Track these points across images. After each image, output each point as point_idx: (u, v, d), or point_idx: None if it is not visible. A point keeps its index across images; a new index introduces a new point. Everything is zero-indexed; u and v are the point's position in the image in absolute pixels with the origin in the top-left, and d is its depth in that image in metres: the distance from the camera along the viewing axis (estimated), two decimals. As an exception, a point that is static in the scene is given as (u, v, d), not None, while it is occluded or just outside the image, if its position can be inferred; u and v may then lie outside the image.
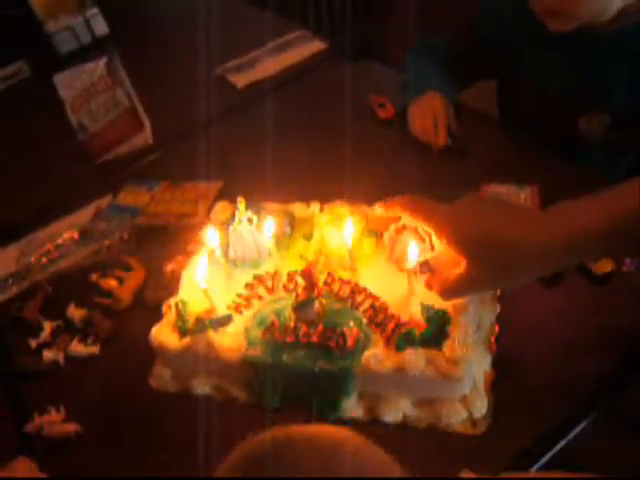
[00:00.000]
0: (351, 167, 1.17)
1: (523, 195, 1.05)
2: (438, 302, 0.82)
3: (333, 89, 1.47)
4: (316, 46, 1.60)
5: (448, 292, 0.73)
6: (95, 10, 1.86)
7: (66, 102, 1.33)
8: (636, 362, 0.84)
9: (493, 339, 0.86)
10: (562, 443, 0.79)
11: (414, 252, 0.83)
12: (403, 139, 1.24)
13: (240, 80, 1.54)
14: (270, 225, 0.94)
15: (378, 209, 0.78)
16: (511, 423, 0.80)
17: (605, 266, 0.92)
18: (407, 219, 0.85)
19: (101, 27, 1.88)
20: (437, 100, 1.19)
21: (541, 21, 1.10)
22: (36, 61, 1.86)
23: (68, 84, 1.32)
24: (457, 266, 0.72)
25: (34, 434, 0.91)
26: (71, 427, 0.90)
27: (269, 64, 1.57)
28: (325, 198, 1.04)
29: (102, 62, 1.33)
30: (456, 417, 0.79)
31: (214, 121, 1.45)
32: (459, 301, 0.81)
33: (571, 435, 0.79)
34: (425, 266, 0.80)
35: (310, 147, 1.28)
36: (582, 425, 0.80)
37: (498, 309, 0.90)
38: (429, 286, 0.76)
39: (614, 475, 0.68)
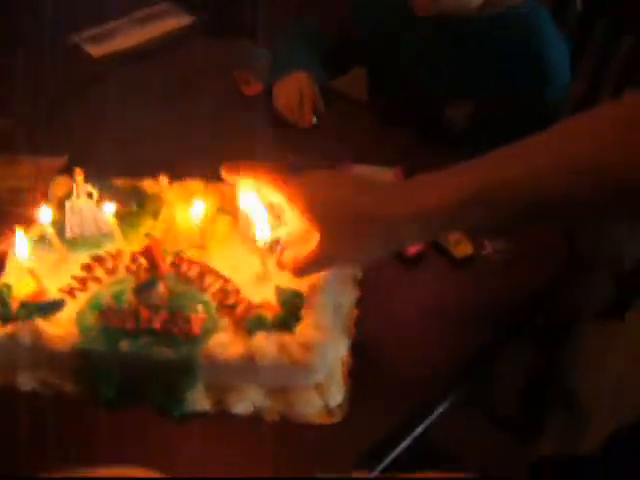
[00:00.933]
0: (211, 144, 1.10)
1: (387, 177, 1.02)
2: (294, 284, 0.76)
3: (197, 65, 1.37)
4: (182, 20, 1.50)
5: (301, 269, 0.68)
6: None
7: None
8: (494, 344, 0.84)
9: (352, 324, 0.82)
10: (417, 431, 0.76)
11: (264, 229, 0.77)
12: (267, 117, 1.18)
13: (97, 50, 1.41)
14: (110, 203, 0.84)
15: (224, 173, 0.71)
16: (369, 411, 0.76)
17: (464, 249, 0.91)
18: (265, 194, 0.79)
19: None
20: (303, 79, 1.15)
21: (410, 6, 1.09)
22: None
23: None
24: (309, 242, 0.67)
25: None
26: None
27: (130, 36, 1.45)
28: (180, 175, 0.96)
29: None
30: (310, 406, 0.73)
31: (64, 93, 1.31)
32: (315, 282, 0.76)
33: (427, 422, 0.77)
34: (276, 244, 0.74)
35: (168, 123, 1.18)
36: (439, 411, 0.78)
37: (358, 293, 0.86)
38: (280, 265, 0.70)
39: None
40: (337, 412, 0.74)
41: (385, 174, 1.03)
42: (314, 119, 1.14)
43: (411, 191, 0.62)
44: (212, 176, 0.94)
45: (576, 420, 1.50)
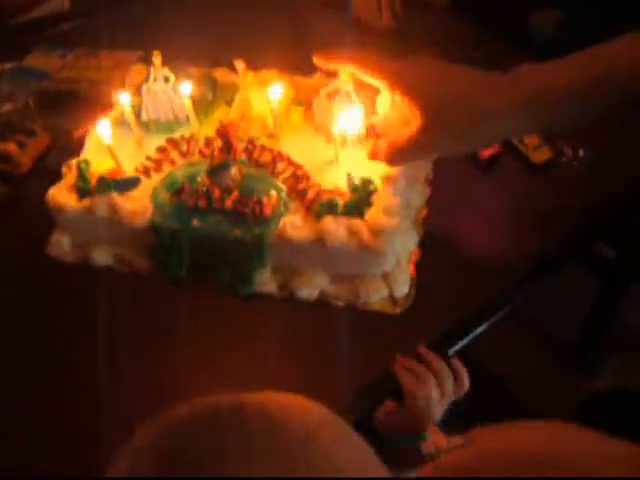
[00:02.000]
0: (286, 40, 1.08)
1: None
2: (366, 172, 0.75)
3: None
4: None
5: (396, 155, 0.68)
6: None
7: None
8: (567, 248, 0.81)
9: (421, 219, 0.81)
10: (482, 328, 0.76)
11: (346, 118, 0.76)
12: (343, 18, 1.14)
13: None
14: (188, 85, 0.84)
15: (316, 59, 0.70)
16: (433, 304, 0.75)
17: (543, 154, 0.87)
18: (343, 82, 0.78)
19: None
20: None
21: None
22: None
23: None
24: (404, 129, 0.66)
25: None
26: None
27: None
28: (256, 65, 0.95)
29: None
30: (376, 295, 0.74)
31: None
32: (388, 172, 0.75)
33: (492, 319, 0.76)
34: (371, 130, 0.73)
35: (244, 16, 1.17)
36: (506, 309, 0.77)
37: (428, 192, 0.84)
38: (373, 153, 0.70)
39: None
40: (402, 303, 0.74)
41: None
42: (392, 22, 1.10)
43: (521, 80, 0.62)
44: (288, 68, 0.93)
45: (634, 358, 1.47)
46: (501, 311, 0.76)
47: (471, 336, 0.75)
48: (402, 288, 0.74)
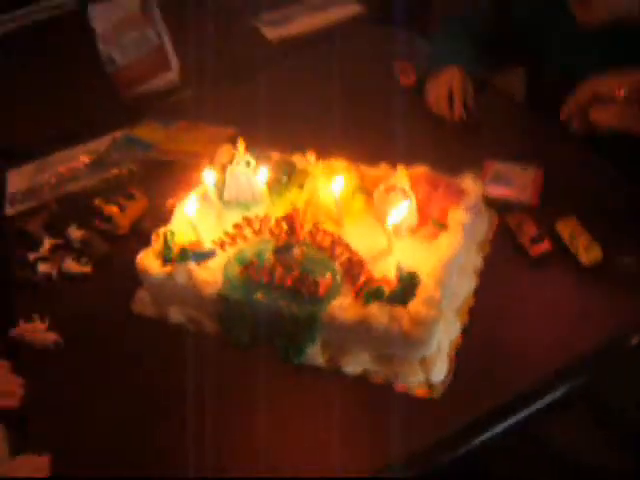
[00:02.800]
0: (360, 127, 1.18)
1: (527, 176, 1.04)
2: (416, 263, 0.83)
3: (362, 51, 1.47)
4: (352, 8, 1.59)
5: None
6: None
7: (98, 34, 1.35)
8: (607, 352, 0.84)
9: (467, 308, 0.87)
10: (515, 419, 0.79)
11: (398, 212, 0.84)
12: (419, 108, 1.23)
13: (273, 33, 1.55)
14: (265, 170, 0.95)
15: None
16: (471, 393, 0.80)
17: (594, 255, 0.90)
18: (399, 179, 0.86)
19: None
20: (455, 74, 1.17)
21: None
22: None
23: (102, 16, 1.34)
24: None
25: (17, 339, 0.95)
26: (52, 336, 0.94)
27: (303, 21, 1.57)
28: (330, 154, 1.05)
29: (137, -1, 1.35)
30: (413, 378, 0.80)
31: (241, 70, 1.46)
32: (435, 265, 0.82)
33: (528, 412, 0.80)
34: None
35: (326, 104, 1.28)
36: (544, 403, 0.80)
37: (476, 283, 0.90)
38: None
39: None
40: (437, 388, 0.80)
41: (525, 173, 1.05)
42: (464, 114, 1.17)
43: None
44: (356, 157, 1.03)
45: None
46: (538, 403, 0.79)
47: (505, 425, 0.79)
48: (439, 374, 0.80)
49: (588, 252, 0.90)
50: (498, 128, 1.20)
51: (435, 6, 1.69)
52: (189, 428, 0.80)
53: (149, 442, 0.82)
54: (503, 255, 0.95)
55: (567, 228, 0.94)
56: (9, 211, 1.21)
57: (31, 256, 1.08)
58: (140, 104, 1.41)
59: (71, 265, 1.06)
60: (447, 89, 1.18)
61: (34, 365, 0.93)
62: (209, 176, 0.95)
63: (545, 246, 0.92)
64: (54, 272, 1.06)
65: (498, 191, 1.02)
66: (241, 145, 0.98)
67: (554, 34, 1.18)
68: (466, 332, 0.85)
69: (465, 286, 0.88)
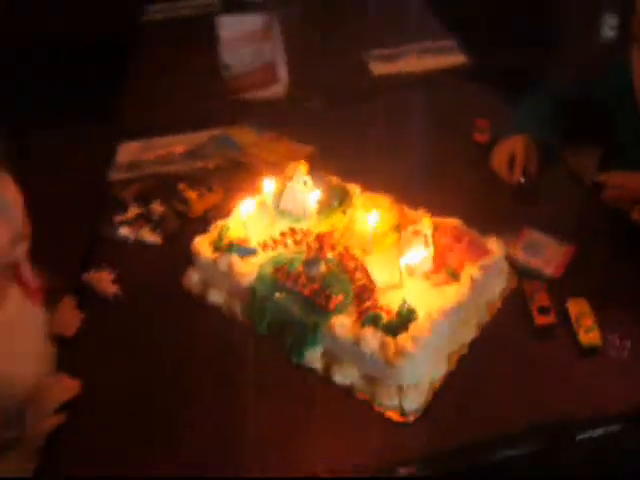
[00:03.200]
0: (425, 171, 1.29)
1: (558, 252, 1.10)
2: (421, 303, 0.93)
3: (455, 101, 1.56)
4: (457, 59, 1.69)
5: None
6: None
7: (221, 41, 1.54)
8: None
9: (458, 356, 0.95)
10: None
11: (411, 255, 0.94)
12: (483, 165, 1.31)
13: (378, 68, 1.68)
14: (318, 193, 1.09)
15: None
16: (439, 428, 0.89)
17: (593, 338, 0.96)
18: (425, 226, 0.97)
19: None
20: (521, 142, 1.25)
21: None
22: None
23: (228, 26, 1.53)
24: None
25: (85, 283, 1.14)
26: (113, 288, 1.13)
27: (409, 62, 1.69)
28: (383, 189, 1.16)
29: (262, 18, 1.53)
30: (388, 402, 0.89)
31: (339, 95, 1.61)
32: (435, 311, 0.91)
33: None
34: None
35: (403, 143, 1.39)
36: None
37: (475, 335, 0.98)
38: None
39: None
40: (409, 416, 0.89)
41: (558, 248, 1.11)
42: (522, 179, 1.24)
43: None
44: (407, 198, 1.13)
45: None
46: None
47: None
48: (411, 404, 0.89)
49: (587, 334, 0.96)
50: (552, 200, 1.26)
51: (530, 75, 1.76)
52: (191, 392, 0.95)
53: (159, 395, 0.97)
54: (511, 316, 1.02)
55: (576, 307, 1.00)
56: (113, 176, 1.42)
57: (117, 219, 1.27)
58: (244, 108, 1.59)
59: (146, 233, 1.24)
60: (510, 153, 1.26)
61: (94, 307, 1.12)
62: (269, 186, 1.10)
63: (550, 319, 0.99)
64: (131, 236, 1.24)
65: (525, 258, 1.09)
66: (303, 166, 1.11)
67: (629, 126, 1.23)
68: (450, 375, 0.94)
69: (463, 335, 0.97)
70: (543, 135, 1.28)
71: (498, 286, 1.04)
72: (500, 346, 0.98)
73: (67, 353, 1.05)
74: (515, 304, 1.04)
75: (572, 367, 0.95)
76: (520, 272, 1.08)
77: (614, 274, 1.08)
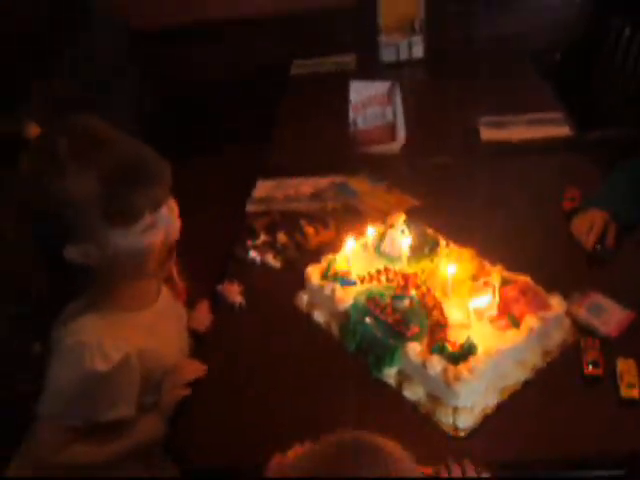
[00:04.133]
0: (511, 230, 1.47)
1: (615, 316, 1.24)
2: (481, 341, 1.12)
3: (553, 170, 1.73)
4: (561, 130, 1.85)
5: None
6: (418, 37, 2.33)
7: (351, 102, 1.82)
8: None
9: (510, 391, 1.13)
10: None
11: (479, 301, 1.15)
12: (565, 230, 1.47)
13: (486, 134, 1.88)
14: (409, 240, 1.32)
15: None
16: (481, 446, 1.07)
17: (633, 392, 1.10)
18: (494, 279, 1.17)
19: (418, 51, 2.36)
20: (601, 215, 1.40)
21: None
22: (361, 60, 2.42)
23: (358, 90, 1.81)
24: None
25: (219, 292, 1.44)
26: (239, 298, 1.42)
27: (516, 131, 1.87)
28: (470, 243, 1.37)
29: (387, 84, 1.80)
30: (444, 418, 1.09)
31: (446, 156, 1.82)
32: (493, 349, 1.11)
33: None
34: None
35: (497, 204, 1.58)
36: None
37: (530, 376, 1.15)
38: None
39: None
40: (461, 432, 1.09)
41: (619, 312, 1.25)
42: (597, 246, 1.40)
43: None
44: (484, 252, 1.33)
45: None
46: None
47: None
48: (464, 423, 1.08)
49: (628, 388, 1.11)
50: (623, 268, 1.39)
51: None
52: (289, 390, 1.20)
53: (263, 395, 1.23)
54: (565, 365, 1.18)
55: (624, 365, 1.14)
56: (249, 208, 1.73)
57: (249, 243, 1.57)
58: (364, 160, 1.85)
59: (270, 258, 1.53)
60: (590, 223, 1.41)
61: (222, 312, 1.41)
62: (371, 231, 1.35)
63: (598, 371, 1.14)
64: (258, 258, 1.53)
65: (586, 316, 1.25)
66: (402, 217, 1.35)
67: None
68: (500, 406, 1.12)
69: (517, 374, 1.15)
70: (622, 214, 1.42)
71: (557, 338, 1.21)
72: (550, 388, 1.14)
73: (198, 344, 1.35)
74: (571, 356, 1.19)
75: (609, 416, 1.10)
76: (581, 329, 1.24)
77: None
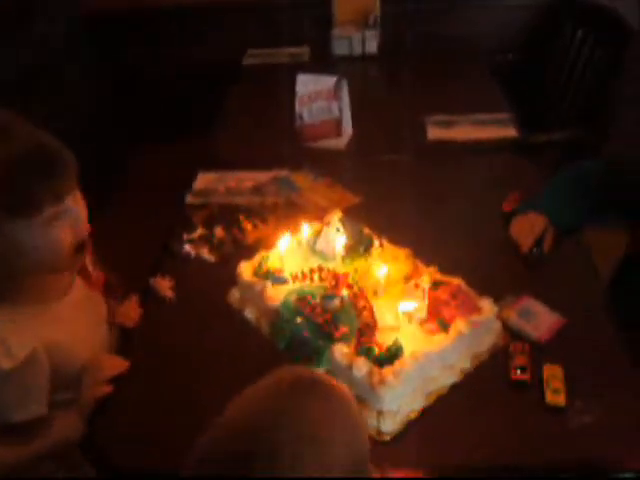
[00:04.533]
0: (446, 235, 1.46)
1: (550, 318, 1.24)
2: (409, 344, 1.10)
3: (498, 173, 1.72)
4: (508, 132, 1.85)
5: None
6: (372, 32, 2.31)
7: (297, 95, 1.79)
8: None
9: (436, 395, 1.12)
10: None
11: (408, 304, 1.13)
12: (503, 232, 1.47)
13: (433, 133, 1.87)
14: (343, 239, 1.29)
15: None
16: (403, 451, 1.06)
17: (558, 399, 1.10)
18: (424, 281, 1.15)
19: (372, 47, 2.33)
20: (539, 219, 1.40)
21: None
22: (315, 53, 2.39)
23: (305, 84, 1.77)
24: None
25: (150, 285, 1.39)
26: (169, 293, 1.37)
27: (462, 130, 1.87)
28: (405, 243, 1.35)
29: (334, 79, 1.77)
30: (369, 422, 1.07)
31: (392, 154, 1.81)
32: (420, 352, 1.09)
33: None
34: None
35: (437, 205, 1.57)
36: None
37: (458, 379, 1.14)
38: None
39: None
40: (385, 437, 1.07)
41: (550, 316, 1.25)
42: (534, 250, 1.39)
43: None
44: (419, 253, 1.31)
45: None
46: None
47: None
48: (388, 428, 1.07)
49: (553, 395, 1.10)
50: (557, 273, 1.39)
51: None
52: (213, 384, 1.17)
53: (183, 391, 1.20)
54: (493, 369, 1.17)
55: (550, 371, 1.14)
56: (188, 200, 1.68)
57: (185, 236, 1.53)
58: (308, 155, 1.82)
59: (205, 252, 1.48)
60: (529, 225, 1.41)
61: (150, 305, 1.37)
62: (306, 229, 1.32)
63: (524, 377, 1.14)
64: (193, 252, 1.49)
65: (517, 321, 1.24)
66: (338, 215, 1.32)
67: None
68: (426, 410, 1.11)
69: (444, 378, 1.13)
70: (561, 219, 1.42)
71: (486, 342, 1.20)
72: (475, 392, 1.14)
73: (124, 340, 1.30)
74: (500, 359, 1.19)
75: (534, 422, 1.09)
76: (512, 333, 1.23)
77: (598, 350, 1.20)
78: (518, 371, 1.15)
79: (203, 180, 1.75)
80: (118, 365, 1.18)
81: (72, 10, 2.70)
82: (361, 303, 1.20)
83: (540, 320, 1.25)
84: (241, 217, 1.55)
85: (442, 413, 1.11)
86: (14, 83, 2.16)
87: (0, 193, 0.94)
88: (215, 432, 0.70)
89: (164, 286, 1.39)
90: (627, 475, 1.03)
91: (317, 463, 0.66)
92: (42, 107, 2.00)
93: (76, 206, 1.05)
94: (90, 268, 1.23)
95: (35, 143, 0.98)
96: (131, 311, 1.35)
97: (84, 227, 1.07)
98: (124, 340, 1.32)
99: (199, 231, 1.54)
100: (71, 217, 1.03)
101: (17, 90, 2.12)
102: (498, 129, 1.87)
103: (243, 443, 0.65)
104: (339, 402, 0.73)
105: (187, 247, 1.50)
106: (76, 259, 1.09)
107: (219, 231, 1.53)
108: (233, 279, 1.36)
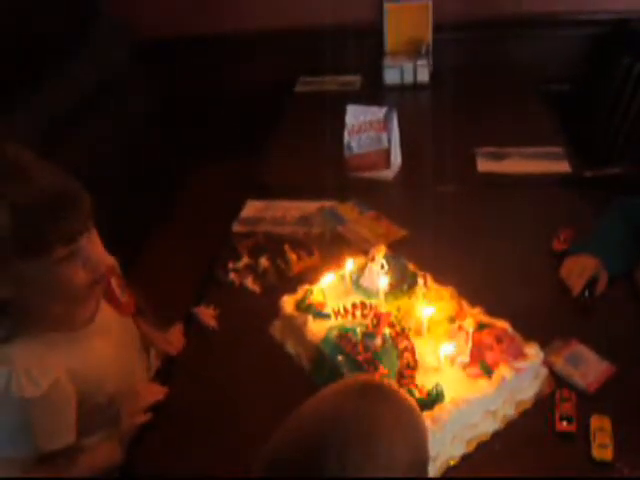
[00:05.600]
0: (494, 274, 1.43)
1: (596, 368, 1.20)
2: (450, 388, 1.08)
3: (550, 207, 1.68)
4: (561, 166, 1.81)
5: None
6: (425, 62, 2.30)
7: (347, 126, 1.79)
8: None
9: (477, 442, 1.09)
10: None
11: (450, 346, 1.11)
12: (554, 271, 1.43)
13: (483, 166, 1.84)
14: (387, 278, 1.28)
15: None
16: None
17: (605, 454, 1.05)
18: (467, 324, 1.13)
19: (424, 76, 2.32)
20: (592, 262, 1.36)
21: None
22: (366, 82, 2.40)
23: (354, 114, 1.78)
24: None
25: (194, 314, 1.41)
26: (213, 322, 1.39)
27: (513, 164, 1.83)
28: (451, 283, 1.33)
29: (384, 110, 1.77)
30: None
31: (440, 186, 1.79)
32: (460, 399, 1.07)
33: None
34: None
35: (485, 244, 1.54)
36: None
37: (499, 427, 1.11)
38: None
39: None
40: None
41: (599, 365, 1.21)
42: (586, 292, 1.35)
43: None
44: (465, 293, 1.29)
45: None
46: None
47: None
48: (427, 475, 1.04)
49: (600, 450, 1.06)
50: (608, 318, 1.34)
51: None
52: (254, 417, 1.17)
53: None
54: (536, 416, 1.14)
55: (598, 423, 1.10)
56: (235, 228, 1.71)
57: (230, 265, 1.54)
58: (355, 186, 1.82)
59: (249, 282, 1.50)
60: (581, 267, 1.37)
61: (193, 334, 1.38)
62: (349, 264, 1.31)
63: (571, 427, 1.10)
64: (237, 282, 1.50)
65: (564, 368, 1.20)
66: (382, 251, 1.32)
67: None
68: (466, 457, 1.08)
69: (486, 425, 1.11)
70: (614, 263, 1.38)
71: (532, 388, 1.17)
72: (518, 441, 1.10)
73: (167, 367, 1.32)
74: (545, 407, 1.15)
75: (579, 475, 1.05)
76: (558, 380, 1.20)
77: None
78: (564, 422, 1.11)
79: (251, 208, 1.77)
80: (156, 392, 1.20)
81: (127, 35, 2.77)
82: (403, 343, 1.19)
83: (589, 368, 1.21)
84: (286, 247, 1.56)
85: (483, 461, 1.08)
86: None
87: (13, 235, 0.94)
88: (285, 435, 0.74)
89: (208, 315, 1.40)
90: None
91: (383, 464, 0.69)
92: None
93: (89, 244, 1.04)
94: (118, 293, 1.24)
95: (49, 184, 0.97)
96: (175, 339, 1.37)
97: (99, 264, 1.05)
98: (167, 367, 1.34)
99: (244, 260, 1.56)
100: (83, 256, 1.02)
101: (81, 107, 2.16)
102: (550, 163, 1.83)
103: (313, 444, 0.69)
104: (404, 407, 0.77)
105: (232, 276, 1.51)
106: (92, 291, 1.09)
107: (264, 261, 1.54)
108: (276, 310, 1.36)
